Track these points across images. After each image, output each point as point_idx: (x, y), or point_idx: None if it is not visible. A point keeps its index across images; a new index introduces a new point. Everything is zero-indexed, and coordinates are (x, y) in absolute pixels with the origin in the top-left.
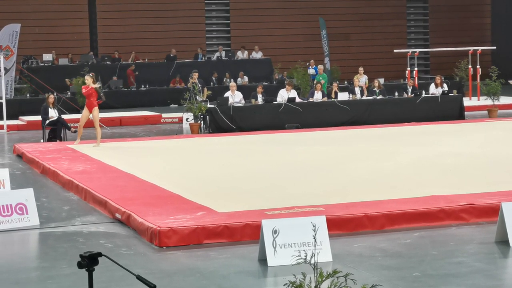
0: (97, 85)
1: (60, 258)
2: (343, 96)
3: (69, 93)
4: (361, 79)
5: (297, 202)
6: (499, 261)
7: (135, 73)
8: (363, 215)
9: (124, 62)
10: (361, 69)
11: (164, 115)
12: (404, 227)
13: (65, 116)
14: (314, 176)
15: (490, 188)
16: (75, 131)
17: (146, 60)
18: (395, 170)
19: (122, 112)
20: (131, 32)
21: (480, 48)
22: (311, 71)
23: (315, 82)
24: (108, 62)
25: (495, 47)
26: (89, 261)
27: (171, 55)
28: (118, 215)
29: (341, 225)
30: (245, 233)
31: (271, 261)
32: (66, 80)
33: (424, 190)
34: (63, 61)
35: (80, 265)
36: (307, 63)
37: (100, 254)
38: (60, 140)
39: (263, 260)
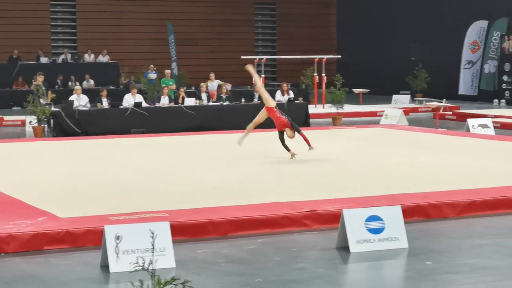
0: None
1: None
2: (190, 101)
3: None
4: (213, 84)
5: (143, 207)
6: (340, 267)
7: None
8: (207, 221)
9: None
10: (212, 75)
11: (6, 117)
12: (248, 233)
13: None
14: (160, 182)
15: (333, 195)
16: None
17: None
18: (242, 176)
19: None
20: None
21: (325, 56)
22: (152, 75)
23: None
24: None
25: (340, 56)
26: None
27: (14, 56)
28: None
29: (185, 231)
30: (88, 239)
31: (113, 268)
32: None
33: (268, 196)
34: None
35: None
36: (154, 68)
37: None
38: None
39: (105, 266)
